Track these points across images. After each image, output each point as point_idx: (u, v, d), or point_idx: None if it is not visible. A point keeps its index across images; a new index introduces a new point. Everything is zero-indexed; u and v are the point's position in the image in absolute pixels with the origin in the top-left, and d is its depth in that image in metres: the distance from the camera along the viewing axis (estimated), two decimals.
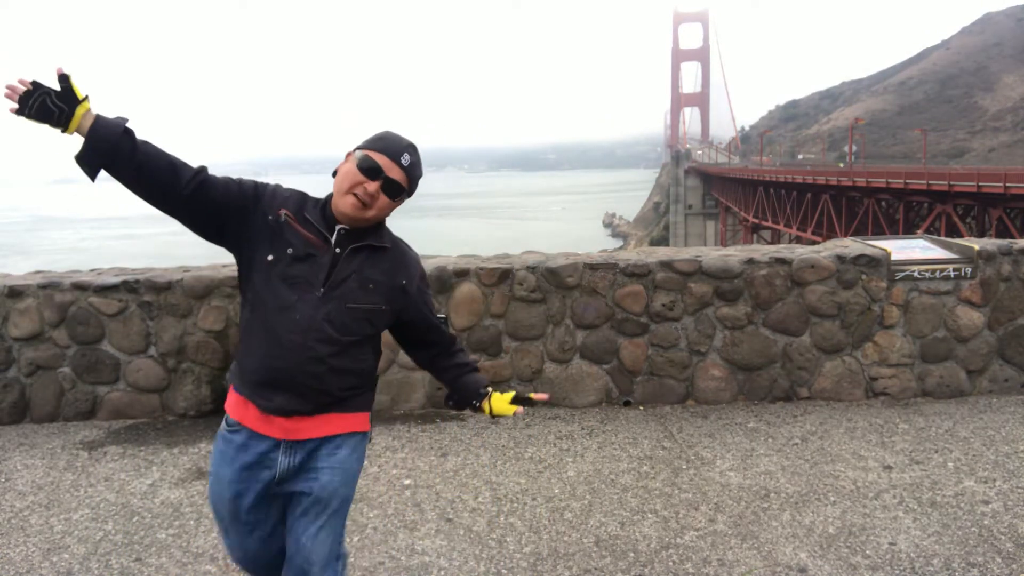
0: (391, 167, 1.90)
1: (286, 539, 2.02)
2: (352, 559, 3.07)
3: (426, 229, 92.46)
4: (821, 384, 4.86)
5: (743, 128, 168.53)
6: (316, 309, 1.87)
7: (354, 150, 1.96)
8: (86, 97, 1.77)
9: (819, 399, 4.86)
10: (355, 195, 1.88)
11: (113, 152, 1.78)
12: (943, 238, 5.50)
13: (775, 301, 4.81)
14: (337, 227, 1.92)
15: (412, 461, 4.04)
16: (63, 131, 1.77)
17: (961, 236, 24.88)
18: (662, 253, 5.08)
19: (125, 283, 4.83)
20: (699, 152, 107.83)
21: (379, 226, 2.00)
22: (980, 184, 29.95)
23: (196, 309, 4.83)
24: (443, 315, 2.14)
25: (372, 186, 1.88)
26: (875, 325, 4.84)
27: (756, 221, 61.72)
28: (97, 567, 3.07)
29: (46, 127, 1.77)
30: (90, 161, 1.78)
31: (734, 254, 4.95)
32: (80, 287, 4.85)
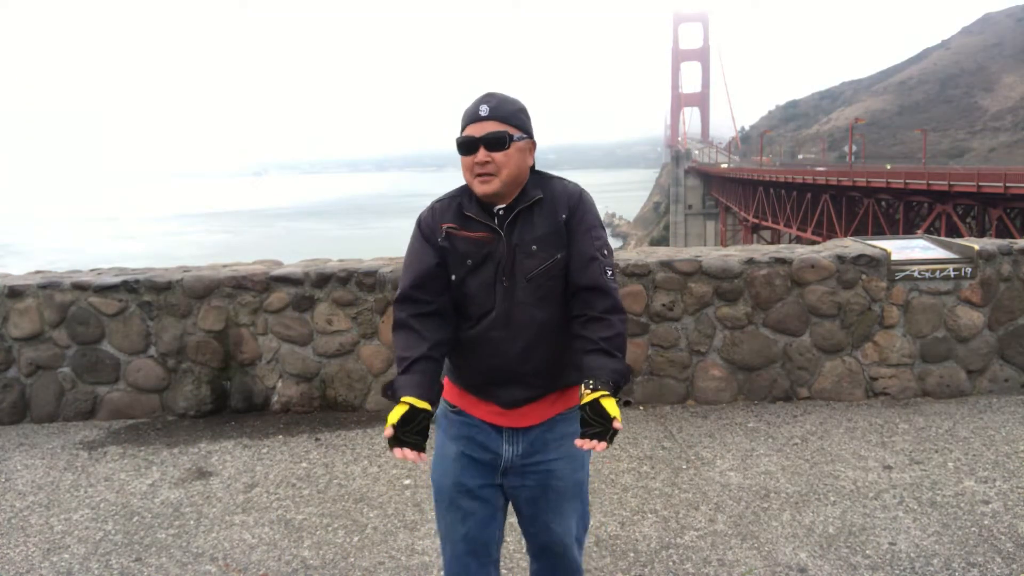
0: (477, 128, 1.85)
1: (529, 527, 2.03)
2: (352, 559, 3.08)
3: None
4: (821, 384, 4.86)
5: (743, 128, 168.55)
6: (509, 299, 1.86)
7: None
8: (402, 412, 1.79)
9: (819, 399, 4.86)
10: (476, 176, 1.86)
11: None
12: (943, 238, 5.50)
13: (775, 301, 4.81)
14: (495, 209, 1.90)
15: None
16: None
17: (961, 236, 24.88)
18: (662, 253, 5.08)
19: (125, 283, 4.83)
20: (709, 155, 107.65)
21: (527, 184, 1.94)
22: (980, 184, 30.02)
23: (196, 309, 4.83)
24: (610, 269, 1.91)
25: (480, 156, 1.84)
26: (875, 325, 4.84)
27: (756, 221, 61.74)
28: (97, 567, 3.07)
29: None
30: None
31: (734, 254, 4.95)
32: (80, 287, 4.85)
